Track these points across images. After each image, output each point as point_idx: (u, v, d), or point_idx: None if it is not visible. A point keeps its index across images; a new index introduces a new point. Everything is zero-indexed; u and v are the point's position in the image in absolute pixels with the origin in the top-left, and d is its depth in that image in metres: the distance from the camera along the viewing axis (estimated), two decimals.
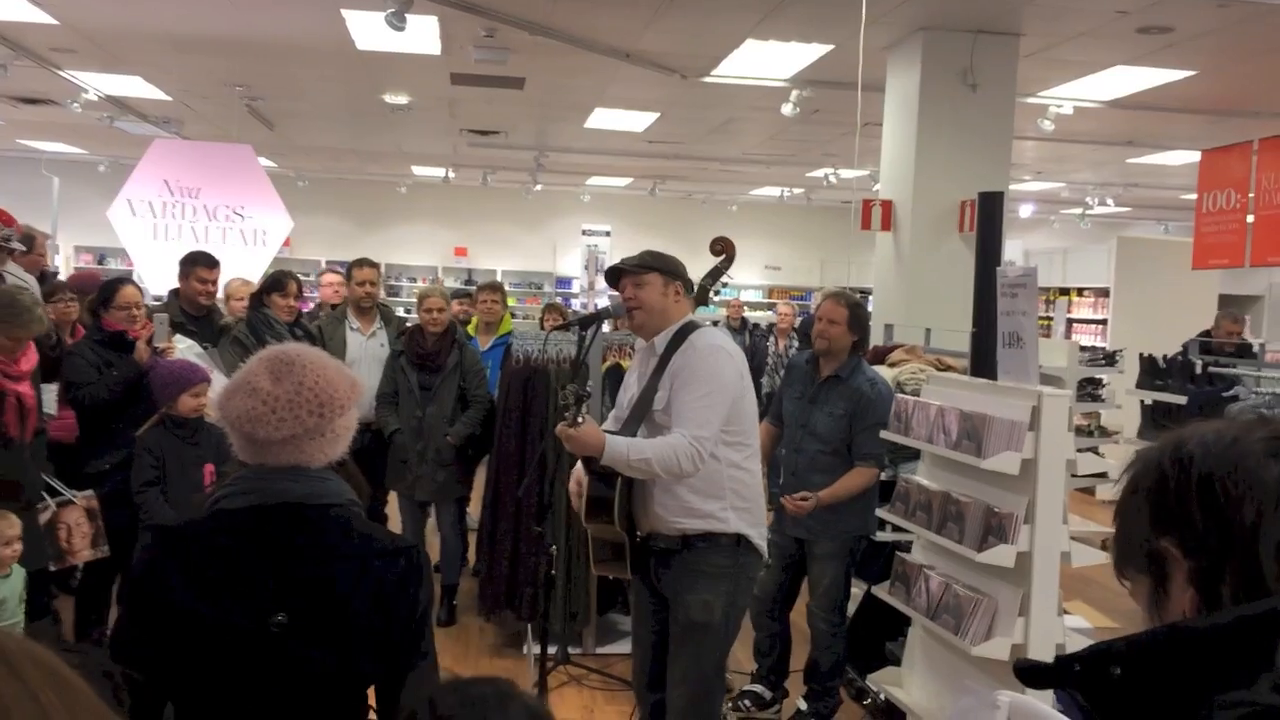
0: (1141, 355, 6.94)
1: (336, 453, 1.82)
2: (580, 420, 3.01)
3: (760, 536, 3.31)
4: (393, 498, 5.90)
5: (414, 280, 18.74)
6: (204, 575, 1.73)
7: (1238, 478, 1.02)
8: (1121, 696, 0.97)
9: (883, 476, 4.51)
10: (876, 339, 6.70)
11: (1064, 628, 3.15)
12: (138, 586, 1.78)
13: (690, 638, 3.25)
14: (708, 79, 8.69)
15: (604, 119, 11.09)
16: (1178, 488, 1.05)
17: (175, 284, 5.56)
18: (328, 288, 6.99)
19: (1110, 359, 7.08)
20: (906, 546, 4.26)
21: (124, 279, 5.04)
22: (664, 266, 3.33)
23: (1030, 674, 1.05)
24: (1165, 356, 6.77)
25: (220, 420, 1.80)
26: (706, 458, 3.09)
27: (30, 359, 4.18)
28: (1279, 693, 0.89)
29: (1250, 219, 7.14)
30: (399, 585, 1.76)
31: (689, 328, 3.28)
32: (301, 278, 6.05)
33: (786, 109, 8.68)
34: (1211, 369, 6.35)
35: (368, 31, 7.70)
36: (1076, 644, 3.26)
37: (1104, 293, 10.94)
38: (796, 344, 10.54)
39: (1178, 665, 0.95)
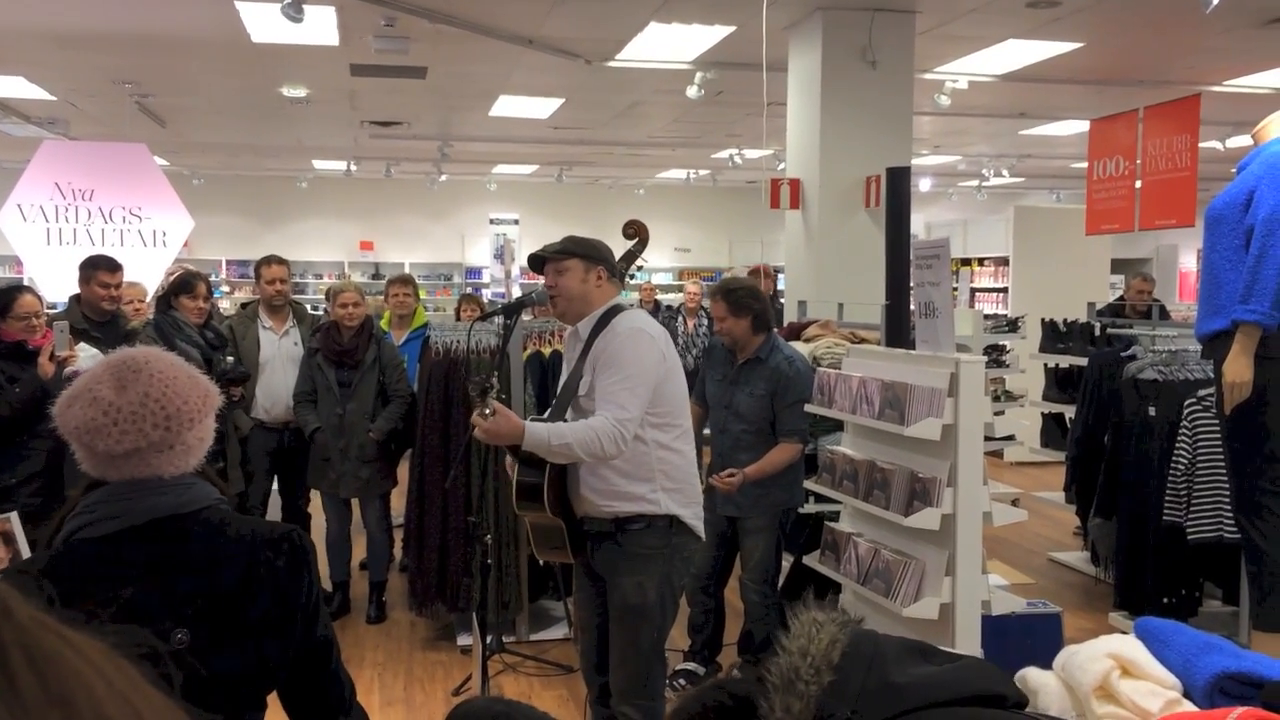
0: (1043, 320, 7.18)
1: (189, 465, 1.71)
2: (489, 412, 2.98)
3: (694, 517, 3.29)
4: (315, 497, 5.83)
5: (320, 276, 18.39)
6: (83, 612, 1.57)
7: None
8: None
9: (806, 450, 4.61)
10: (790, 315, 6.82)
11: (988, 585, 3.27)
12: None
13: (626, 620, 3.26)
14: (612, 63, 8.70)
15: (508, 106, 11.02)
16: None
17: (73, 290, 5.38)
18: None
19: (1013, 325, 7.31)
20: (832, 517, 4.37)
21: (22, 286, 4.86)
22: (585, 252, 3.29)
23: None
24: (1065, 320, 7.02)
25: (60, 430, 1.66)
26: (630, 439, 3.09)
27: None
28: None
29: (1138, 184, 7.42)
30: (292, 571, 1.72)
31: (613, 312, 3.25)
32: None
33: (691, 91, 8.74)
34: (1110, 330, 6.60)
35: (263, 23, 7.53)
36: (999, 600, 3.38)
37: (1003, 261, 11.27)
38: (706, 322, 10.63)
39: None
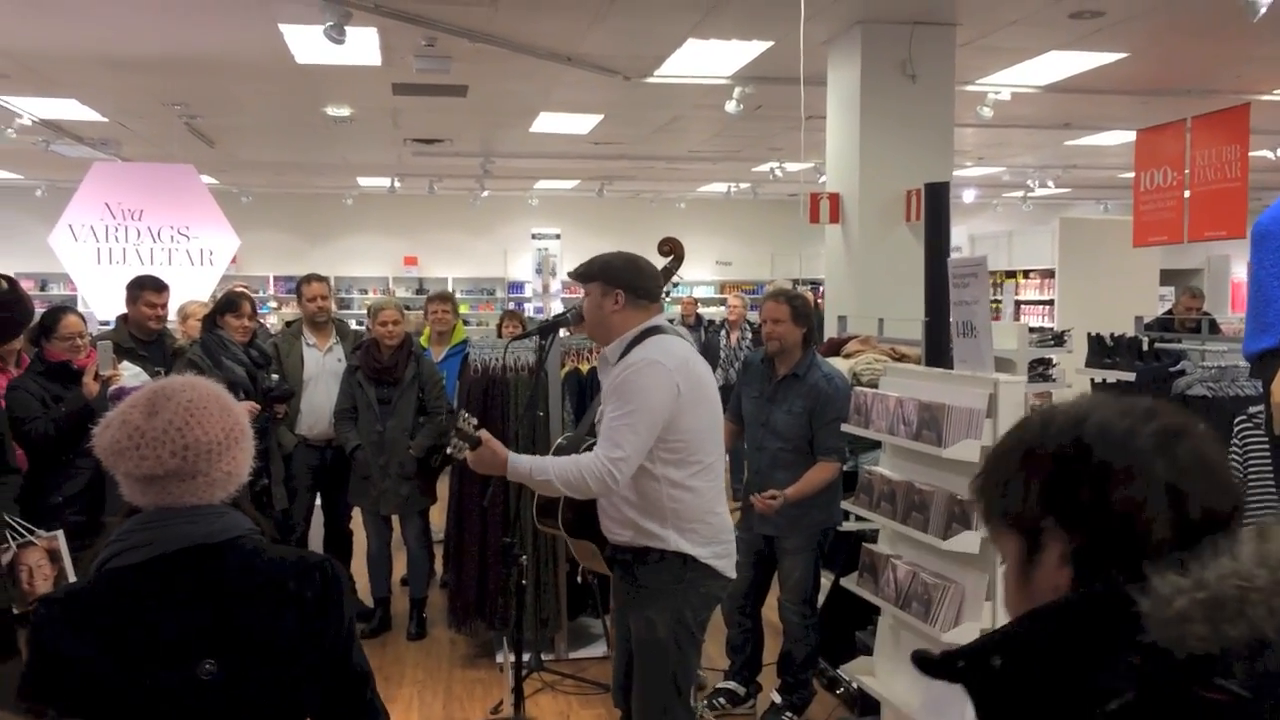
0: (1090, 335, 7.06)
1: (215, 498, 1.71)
2: (459, 448, 2.97)
3: (715, 556, 3.11)
4: (356, 514, 5.87)
5: (364, 292, 18.59)
6: (115, 642, 1.62)
7: (1132, 470, 1.05)
8: (1003, 686, 1.01)
9: (844, 468, 4.56)
10: (830, 331, 6.77)
11: None
12: (39, 665, 1.63)
13: (640, 653, 3.17)
14: (650, 79, 8.72)
15: (549, 123, 11.08)
16: (1072, 473, 1.08)
17: (122, 309, 5.48)
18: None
19: (1059, 339, 7.19)
20: (872, 536, 4.32)
21: (65, 307, 4.95)
22: (604, 275, 3.12)
23: (924, 664, 1.08)
24: (1113, 335, 6.89)
25: (95, 450, 1.69)
26: (622, 479, 2.94)
27: None
28: (1141, 675, 0.96)
29: (1186, 195, 7.29)
30: (320, 602, 1.71)
31: (642, 337, 3.09)
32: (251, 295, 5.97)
33: (730, 106, 8.73)
34: (1158, 345, 6.47)
35: (306, 45, 7.63)
36: None
37: (1049, 274, 11.10)
38: (750, 336, 10.58)
39: (1044, 648, 1.01)
